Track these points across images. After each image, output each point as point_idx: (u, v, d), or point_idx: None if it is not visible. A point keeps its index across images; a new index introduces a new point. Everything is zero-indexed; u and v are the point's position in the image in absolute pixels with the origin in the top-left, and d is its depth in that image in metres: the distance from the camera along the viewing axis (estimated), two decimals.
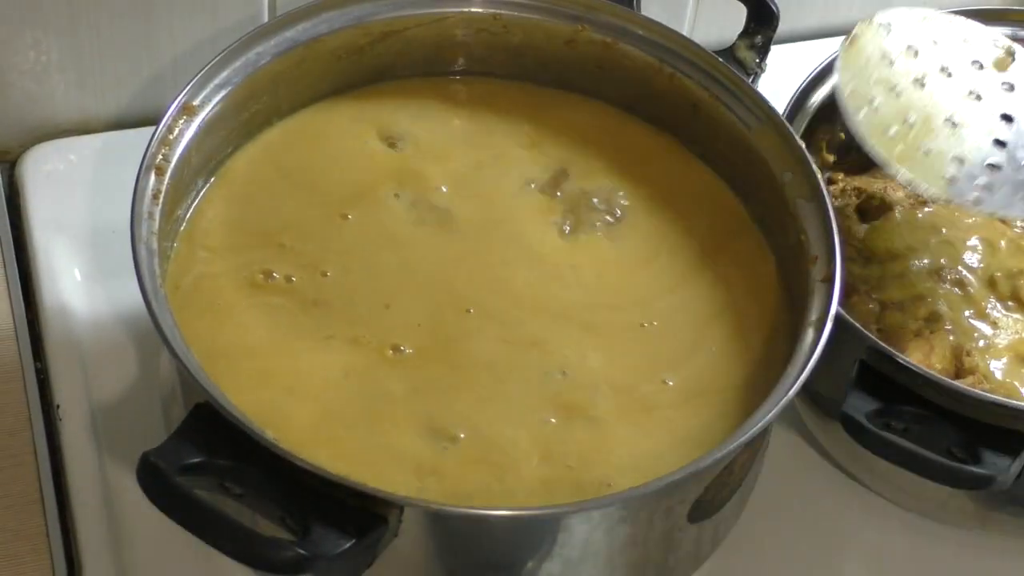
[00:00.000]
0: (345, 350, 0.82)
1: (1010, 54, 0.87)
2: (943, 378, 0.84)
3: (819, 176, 0.87)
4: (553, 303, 0.86)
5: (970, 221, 0.99)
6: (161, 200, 0.81)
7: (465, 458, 0.79)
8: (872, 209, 1.00)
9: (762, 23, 0.96)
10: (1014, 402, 0.85)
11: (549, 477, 0.78)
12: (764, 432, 0.81)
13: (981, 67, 0.86)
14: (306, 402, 0.80)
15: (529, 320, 0.85)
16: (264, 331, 0.82)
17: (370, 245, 0.87)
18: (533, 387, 0.82)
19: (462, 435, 0.79)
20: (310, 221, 0.88)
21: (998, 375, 0.90)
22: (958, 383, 0.85)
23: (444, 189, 0.91)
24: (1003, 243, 0.97)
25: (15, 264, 0.99)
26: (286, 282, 0.84)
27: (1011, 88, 0.86)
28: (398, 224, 0.89)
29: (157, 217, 0.81)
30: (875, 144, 0.84)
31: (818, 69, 0.97)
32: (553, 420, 0.80)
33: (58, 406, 0.91)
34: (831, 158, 1.01)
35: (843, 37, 0.98)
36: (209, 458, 0.71)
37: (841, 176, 1.02)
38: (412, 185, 0.91)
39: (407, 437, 0.79)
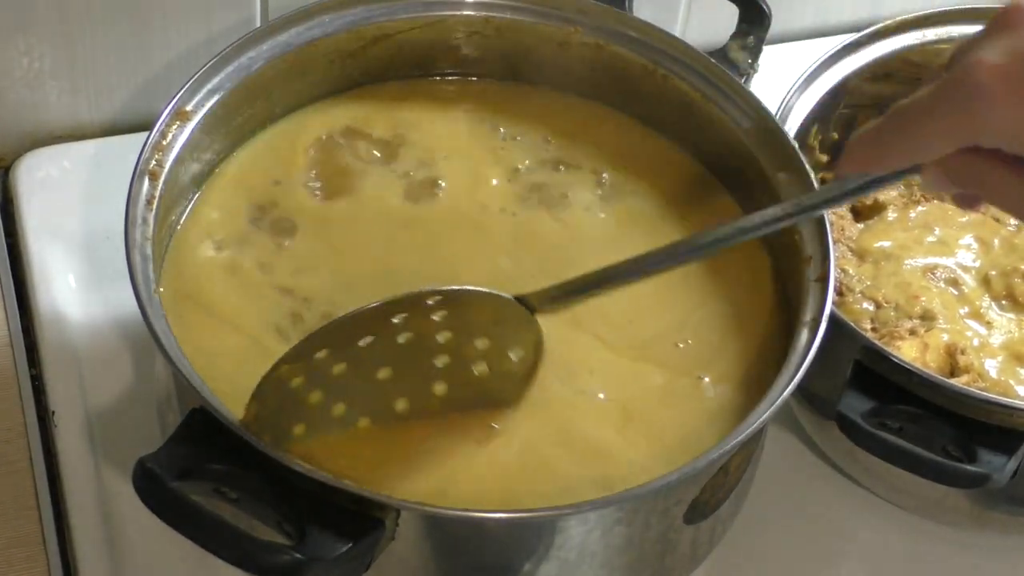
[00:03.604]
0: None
1: None
2: (938, 377, 0.84)
3: (812, 176, 0.87)
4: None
5: (964, 220, 0.99)
6: (155, 205, 0.81)
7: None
8: (865, 208, 1.00)
9: (754, 24, 0.96)
10: (1009, 400, 0.85)
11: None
12: (759, 433, 0.81)
13: None
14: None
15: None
16: (253, 345, 0.82)
17: (351, 253, 0.87)
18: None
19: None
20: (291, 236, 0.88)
21: (993, 374, 0.90)
22: (953, 382, 0.85)
23: (438, 194, 0.91)
24: (997, 242, 0.98)
25: (9, 271, 0.99)
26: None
27: None
28: (386, 231, 0.89)
29: (151, 222, 0.81)
30: None
31: (811, 69, 0.97)
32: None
33: (53, 412, 0.91)
34: (824, 158, 1.01)
35: (836, 37, 0.98)
36: (205, 463, 0.71)
37: (834, 176, 1.02)
38: (403, 189, 0.91)
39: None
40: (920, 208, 1.00)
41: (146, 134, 0.83)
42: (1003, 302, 0.95)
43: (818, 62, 0.98)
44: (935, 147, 0.66)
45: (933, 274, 0.95)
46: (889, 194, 1.00)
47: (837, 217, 0.98)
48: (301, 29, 0.91)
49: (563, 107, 0.96)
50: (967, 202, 0.74)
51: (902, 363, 0.84)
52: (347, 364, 0.76)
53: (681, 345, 0.86)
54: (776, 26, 0.97)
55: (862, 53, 0.99)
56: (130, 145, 0.93)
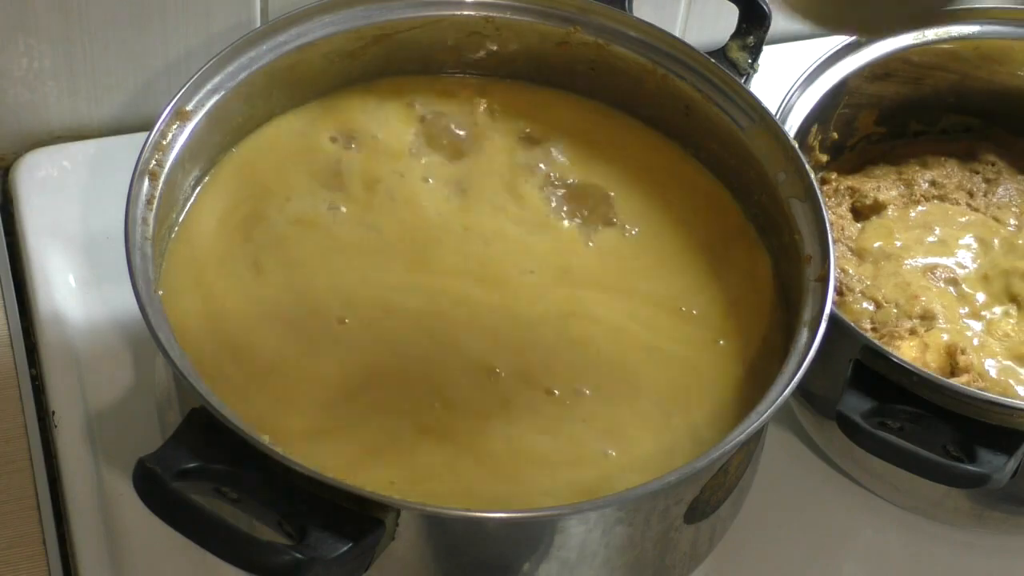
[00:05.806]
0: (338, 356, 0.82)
1: None
2: (938, 377, 0.84)
3: (812, 176, 0.87)
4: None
5: (964, 220, 0.99)
6: (155, 205, 0.81)
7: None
8: (865, 208, 1.00)
9: (754, 23, 0.96)
10: (1009, 400, 0.85)
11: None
12: (759, 432, 0.82)
13: None
14: (302, 405, 0.80)
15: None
16: (254, 340, 0.83)
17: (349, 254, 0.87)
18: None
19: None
20: (286, 233, 0.88)
21: (992, 373, 0.90)
22: (953, 382, 0.85)
23: (439, 193, 0.91)
24: (996, 242, 0.98)
25: (9, 271, 0.99)
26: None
27: None
28: (386, 225, 0.89)
29: (151, 222, 0.81)
30: None
31: (811, 69, 0.97)
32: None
33: (53, 412, 0.91)
34: (824, 158, 1.01)
35: (836, 37, 0.98)
36: (205, 463, 0.71)
37: (834, 176, 1.02)
38: (401, 188, 0.91)
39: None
40: (920, 208, 1.00)
41: (146, 134, 0.83)
42: (1003, 302, 0.95)
43: (818, 62, 0.98)
44: None
45: (933, 274, 0.95)
46: (889, 194, 1.00)
47: (837, 217, 0.98)
48: (301, 29, 0.91)
49: (563, 107, 0.96)
50: None
51: (902, 363, 0.84)
52: None
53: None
54: (776, 26, 0.97)
55: (862, 53, 0.99)
56: (130, 145, 0.93)
